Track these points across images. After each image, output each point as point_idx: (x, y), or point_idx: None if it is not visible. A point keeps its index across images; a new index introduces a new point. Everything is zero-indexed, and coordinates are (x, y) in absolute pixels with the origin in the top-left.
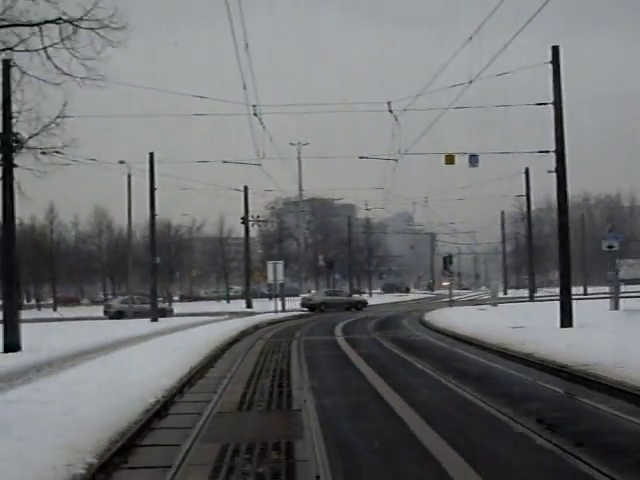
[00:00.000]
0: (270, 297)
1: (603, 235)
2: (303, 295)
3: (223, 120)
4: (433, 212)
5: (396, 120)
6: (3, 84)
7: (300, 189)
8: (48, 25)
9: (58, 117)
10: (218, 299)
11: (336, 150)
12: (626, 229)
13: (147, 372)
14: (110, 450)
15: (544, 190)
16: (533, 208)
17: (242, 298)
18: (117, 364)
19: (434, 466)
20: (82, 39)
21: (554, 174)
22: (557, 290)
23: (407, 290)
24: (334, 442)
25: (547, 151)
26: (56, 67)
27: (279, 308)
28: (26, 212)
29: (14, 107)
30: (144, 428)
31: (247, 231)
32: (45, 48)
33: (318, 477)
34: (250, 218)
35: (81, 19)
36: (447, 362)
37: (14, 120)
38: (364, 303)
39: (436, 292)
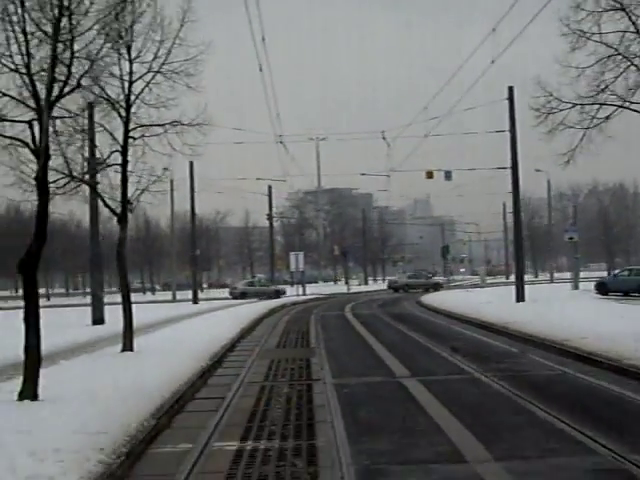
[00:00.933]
0: (292, 284)
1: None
2: (389, 277)
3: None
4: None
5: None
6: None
7: (319, 182)
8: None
9: (159, 179)
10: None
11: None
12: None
13: (215, 331)
14: (213, 359)
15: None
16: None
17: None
18: (190, 329)
19: (383, 364)
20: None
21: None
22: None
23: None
24: (333, 358)
25: (504, 167)
26: (172, 148)
27: (300, 292)
28: None
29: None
30: (225, 354)
31: (271, 227)
32: (164, 132)
33: (322, 368)
34: (274, 214)
35: (190, 124)
36: (419, 325)
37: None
38: (440, 285)
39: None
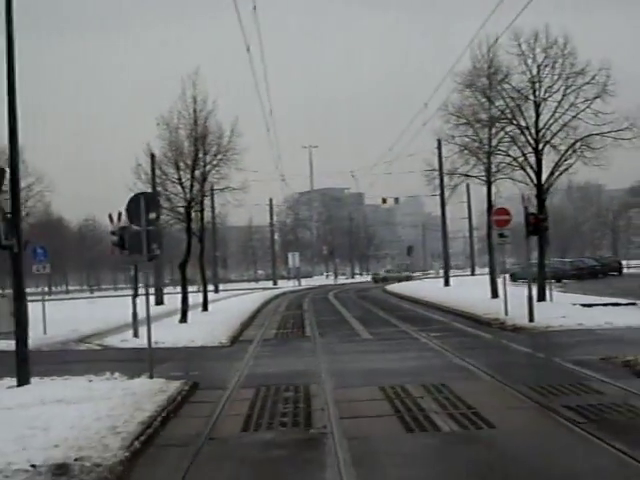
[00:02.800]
0: (289, 278)
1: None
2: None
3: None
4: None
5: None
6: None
7: (311, 186)
8: None
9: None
10: (248, 281)
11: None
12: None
13: (244, 306)
14: (244, 324)
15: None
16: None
17: (266, 280)
18: (229, 304)
19: (340, 313)
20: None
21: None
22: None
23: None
24: (315, 313)
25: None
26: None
27: (296, 284)
28: None
29: None
30: (251, 319)
31: (272, 234)
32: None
33: (309, 316)
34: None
35: (235, 188)
36: (374, 301)
37: None
38: (411, 277)
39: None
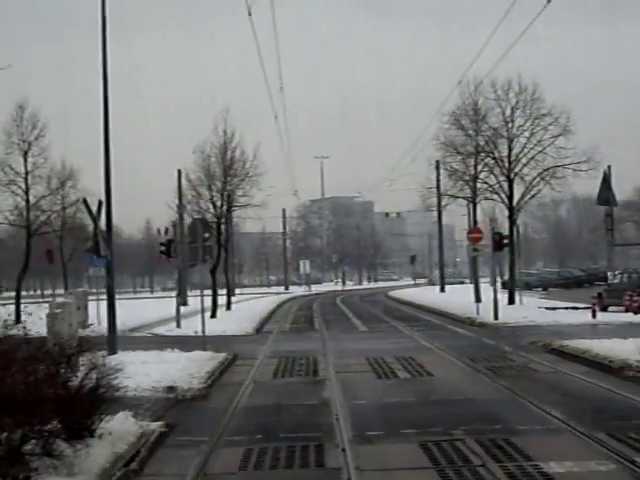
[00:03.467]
0: (299, 284)
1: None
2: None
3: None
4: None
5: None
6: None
7: (322, 194)
8: None
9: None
10: (260, 286)
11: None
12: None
13: (262, 307)
14: (264, 320)
15: None
16: None
17: (278, 285)
18: (248, 305)
19: (344, 313)
20: None
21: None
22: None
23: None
24: (323, 313)
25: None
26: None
27: (307, 290)
28: None
29: None
30: (269, 316)
31: (284, 243)
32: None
33: (318, 315)
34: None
35: (258, 205)
36: (376, 304)
37: None
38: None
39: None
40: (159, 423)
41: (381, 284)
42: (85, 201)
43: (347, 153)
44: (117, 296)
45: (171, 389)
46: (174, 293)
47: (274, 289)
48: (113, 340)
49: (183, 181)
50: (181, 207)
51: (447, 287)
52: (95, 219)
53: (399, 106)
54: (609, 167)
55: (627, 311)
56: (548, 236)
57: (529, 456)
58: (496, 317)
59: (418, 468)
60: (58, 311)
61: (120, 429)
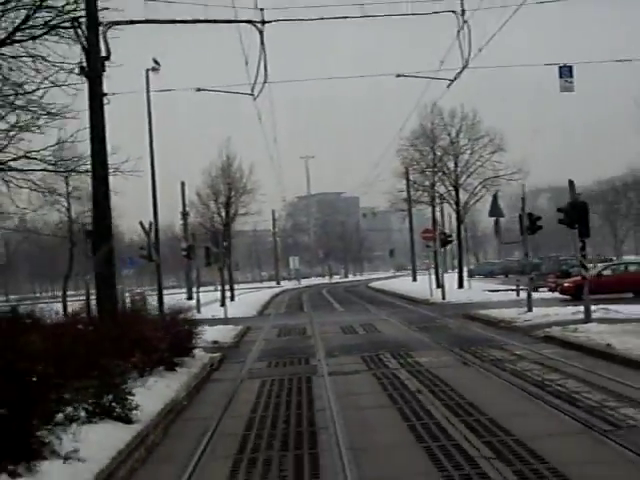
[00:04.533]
0: (289, 279)
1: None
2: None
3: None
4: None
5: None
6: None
7: (308, 190)
8: None
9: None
10: (253, 281)
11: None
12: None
13: (259, 298)
14: (263, 306)
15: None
16: None
17: (269, 280)
18: (247, 297)
19: (329, 302)
20: None
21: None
22: None
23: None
24: (310, 301)
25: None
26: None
27: (297, 284)
28: None
29: None
30: (266, 305)
31: (275, 241)
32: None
33: (306, 303)
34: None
35: (254, 212)
36: (357, 294)
37: None
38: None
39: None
40: (218, 354)
41: (366, 276)
42: (141, 223)
43: (333, 150)
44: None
45: (216, 342)
46: (173, 291)
47: (266, 284)
48: None
49: (193, 196)
50: (185, 214)
51: (420, 277)
52: (148, 234)
53: (383, 103)
54: (497, 192)
55: (550, 290)
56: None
57: (412, 356)
58: (443, 298)
59: (356, 364)
60: (137, 298)
61: (200, 355)
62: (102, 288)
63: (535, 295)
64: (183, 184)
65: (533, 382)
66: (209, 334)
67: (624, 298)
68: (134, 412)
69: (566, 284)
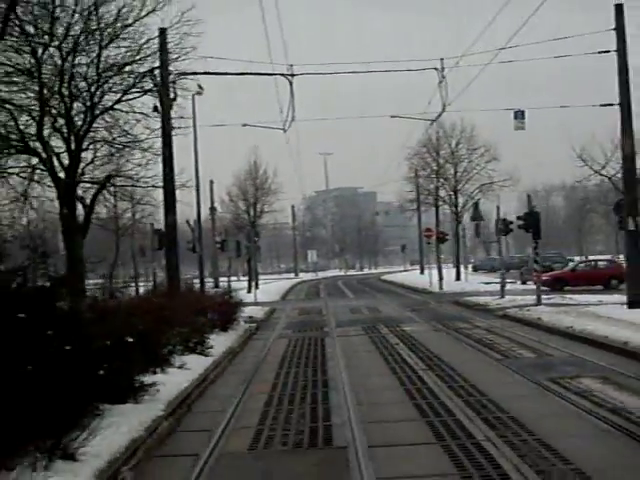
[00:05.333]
0: (307, 271)
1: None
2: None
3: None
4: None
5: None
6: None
7: (327, 185)
8: None
9: None
10: (272, 273)
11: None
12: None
13: (280, 286)
14: (284, 294)
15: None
16: None
17: (287, 272)
18: (269, 286)
19: (343, 292)
20: None
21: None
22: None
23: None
24: (327, 290)
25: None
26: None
27: (314, 275)
28: None
29: None
30: (287, 292)
31: (294, 235)
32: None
33: (323, 291)
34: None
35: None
36: (368, 284)
37: None
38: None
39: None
40: (254, 324)
41: (380, 270)
42: (187, 221)
43: (352, 145)
44: None
45: (251, 317)
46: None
47: (285, 275)
48: None
49: (224, 195)
50: (213, 209)
51: (428, 271)
52: (193, 231)
53: (400, 98)
54: (478, 200)
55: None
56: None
57: (400, 326)
58: (441, 288)
59: (357, 331)
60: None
61: (242, 324)
62: (171, 273)
63: (523, 287)
64: (212, 183)
65: (475, 339)
66: (244, 312)
67: (593, 290)
68: (209, 350)
69: (544, 277)
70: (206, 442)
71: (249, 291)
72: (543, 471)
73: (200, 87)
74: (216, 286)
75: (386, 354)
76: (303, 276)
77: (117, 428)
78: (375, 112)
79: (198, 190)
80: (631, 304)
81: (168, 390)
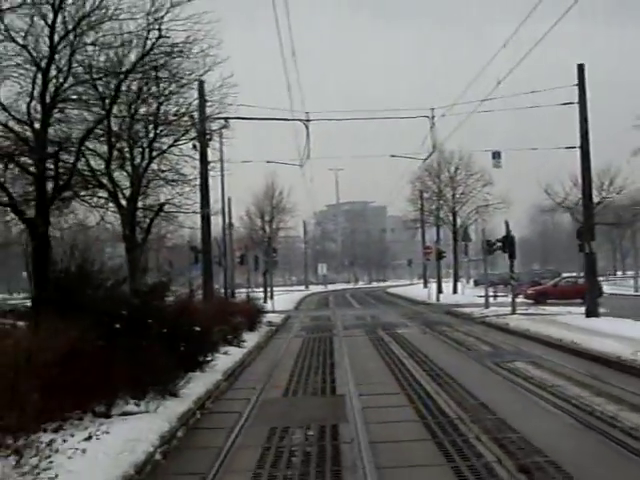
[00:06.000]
0: (317, 284)
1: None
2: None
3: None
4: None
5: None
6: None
7: (337, 200)
8: None
9: None
10: (284, 285)
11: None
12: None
13: (293, 297)
14: (297, 304)
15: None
16: None
17: (298, 284)
18: (282, 297)
19: (350, 302)
20: None
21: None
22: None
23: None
24: (335, 301)
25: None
26: None
27: (324, 288)
28: None
29: None
30: (300, 303)
31: (305, 250)
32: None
33: (332, 302)
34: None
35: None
36: (375, 297)
37: None
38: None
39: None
40: (273, 327)
41: (388, 283)
42: (216, 239)
43: (362, 158)
44: None
45: (270, 322)
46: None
47: (296, 288)
48: None
49: (242, 212)
50: (230, 225)
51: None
52: (219, 246)
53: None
54: (469, 224)
55: (525, 297)
56: (539, 240)
57: (395, 330)
58: (438, 300)
59: (360, 333)
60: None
61: (264, 327)
62: (206, 283)
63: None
64: (229, 200)
65: (451, 338)
66: (265, 317)
67: (573, 303)
68: (243, 343)
69: (529, 291)
70: (253, 394)
71: (265, 301)
72: (462, 405)
73: (226, 120)
74: (232, 296)
75: (380, 349)
76: (313, 288)
77: (196, 383)
78: (377, 148)
79: (224, 213)
80: (588, 314)
81: (220, 367)
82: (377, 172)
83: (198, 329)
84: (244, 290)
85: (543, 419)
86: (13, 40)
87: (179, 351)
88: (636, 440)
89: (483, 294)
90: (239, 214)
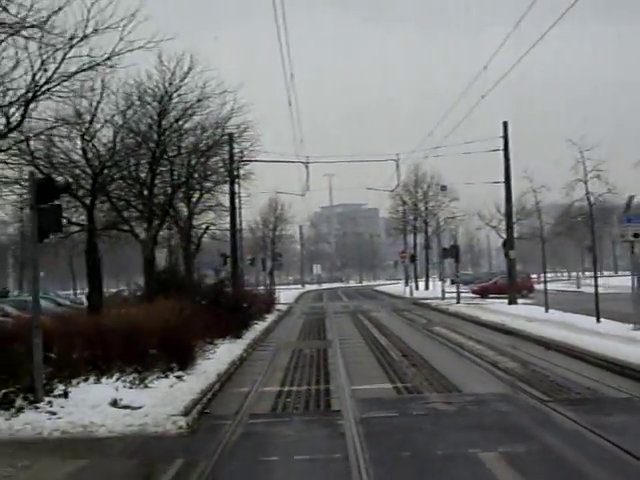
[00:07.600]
0: (312, 283)
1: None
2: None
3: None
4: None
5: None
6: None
7: (331, 202)
8: None
9: None
10: (280, 284)
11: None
12: None
13: (291, 295)
14: (296, 299)
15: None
16: None
17: (294, 284)
18: (282, 294)
19: (341, 298)
20: None
21: None
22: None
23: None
24: (329, 297)
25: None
26: None
27: (318, 286)
28: None
29: None
30: (298, 299)
31: (302, 252)
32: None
33: (325, 299)
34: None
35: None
36: (362, 293)
37: None
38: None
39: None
40: (280, 313)
41: (376, 282)
42: (225, 254)
43: (355, 158)
44: None
45: (279, 310)
46: None
47: (292, 286)
48: None
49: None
50: (236, 232)
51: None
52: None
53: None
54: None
55: (472, 293)
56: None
57: (371, 314)
58: (411, 294)
59: (345, 317)
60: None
61: (275, 313)
62: (236, 279)
63: (472, 294)
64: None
65: (407, 318)
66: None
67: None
68: (266, 318)
69: (474, 288)
70: (280, 340)
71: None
72: (394, 343)
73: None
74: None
75: (357, 324)
76: (309, 287)
77: (247, 335)
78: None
79: (240, 226)
80: (510, 302)
81: (258, 328)
82: (369, 176)
83: (246, 305)
84: (250, 288)
85: (432, 347)
86: None
87: (239, 317)
88: (466, 351)
89: (451, 290)
90: (248, 224)
